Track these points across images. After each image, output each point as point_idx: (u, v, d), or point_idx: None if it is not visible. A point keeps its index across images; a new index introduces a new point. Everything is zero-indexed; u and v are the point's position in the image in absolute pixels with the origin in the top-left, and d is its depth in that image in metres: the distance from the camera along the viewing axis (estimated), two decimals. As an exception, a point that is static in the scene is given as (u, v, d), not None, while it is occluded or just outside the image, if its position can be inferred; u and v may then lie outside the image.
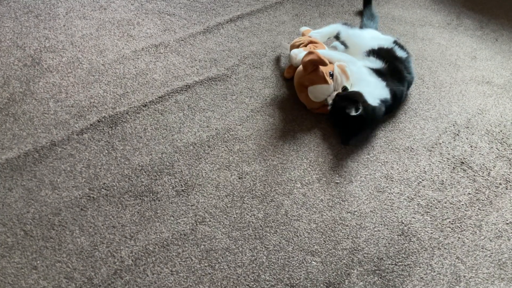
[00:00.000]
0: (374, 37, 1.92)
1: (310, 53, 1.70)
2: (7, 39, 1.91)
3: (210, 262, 1.29)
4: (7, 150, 1.50)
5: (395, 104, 1.77)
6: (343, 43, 1.96)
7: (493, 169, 1.63)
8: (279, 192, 1.48)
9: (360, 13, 2.33)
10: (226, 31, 2.12)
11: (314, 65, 1.68)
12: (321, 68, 1.68)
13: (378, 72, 1.75)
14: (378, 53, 1.81)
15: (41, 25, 2.01)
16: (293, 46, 1.92)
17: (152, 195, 1.43)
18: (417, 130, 1.75)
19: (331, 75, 1.70)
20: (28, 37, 1.93)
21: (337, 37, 1.97)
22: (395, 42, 1.87)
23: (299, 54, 1.81)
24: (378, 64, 1.78)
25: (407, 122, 1.78)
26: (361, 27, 2.20)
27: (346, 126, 1.66)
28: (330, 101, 1.69)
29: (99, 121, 1.63)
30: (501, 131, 1.77)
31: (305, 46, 1.88)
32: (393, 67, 1.77)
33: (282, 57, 2.01)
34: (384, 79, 1.73)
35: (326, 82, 1.67)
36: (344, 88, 1.68)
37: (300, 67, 1.74)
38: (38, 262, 1.25)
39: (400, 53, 1.83)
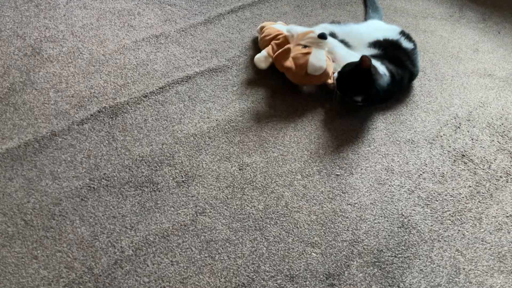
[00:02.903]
0: (377, 29, 1.89)
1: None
2: (7, 28, 1.90)
3: (210, 252, 1.30)
4: (7, 140, 1.50)
5: (394, 88, 1.70)
6: (342, 41, 1.88)
7: (494, 162, 1.63)
8: (280, 184, 1.48)
9: (363, 4, 2.32)
10: (227, 21, 2.11)
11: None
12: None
13: (372, 56, 1.71)
14: (379, 44, 1.79)
15: (41, 14, 1.99)
16: (264, 41, 1.88)
17: (153, 185, 1.43)
18: (418, 122, 1.74)
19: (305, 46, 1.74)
20: (28, 27, 1.92)
21: (333, 36, 1.88)
22: (402, 33, 1.84)
23: (293, 31, 1.80)
24: (373, 51, 1.76)
25: (408, 115, 1.77)
26: (366, 19, 2.19)
27: (354, 86, 1.62)
28: (335, 75, 1.67)
29: (99, 112, 1.63)
30: (502, 124, 1.77)
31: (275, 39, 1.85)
32: (391, 54, 1.74)
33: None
34: (378, 60, 1.69)
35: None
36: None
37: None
38: (39, 251, 1.25)
39: (406, 44, 1.80)
